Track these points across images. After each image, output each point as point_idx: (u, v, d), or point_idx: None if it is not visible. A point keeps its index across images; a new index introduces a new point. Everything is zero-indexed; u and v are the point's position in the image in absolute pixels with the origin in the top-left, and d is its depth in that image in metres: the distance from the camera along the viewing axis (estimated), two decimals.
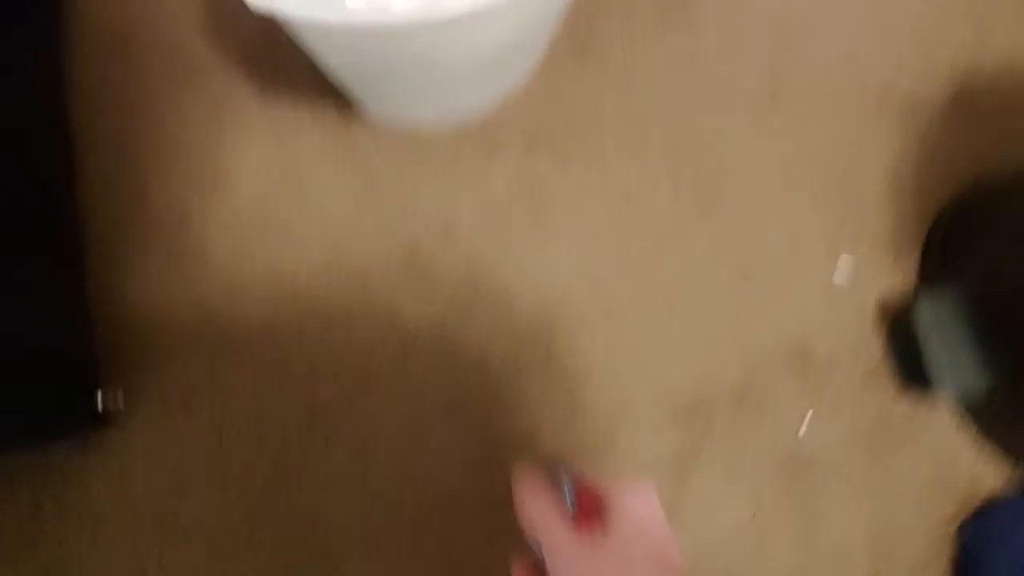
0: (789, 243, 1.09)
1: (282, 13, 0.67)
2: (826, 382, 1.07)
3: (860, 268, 1.08)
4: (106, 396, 0.98)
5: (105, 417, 0.98)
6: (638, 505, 0.47)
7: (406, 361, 1.04)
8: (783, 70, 1.17)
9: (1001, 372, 0.94)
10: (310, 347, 1.04)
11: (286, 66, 1.12)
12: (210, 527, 1.00)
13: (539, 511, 0.48)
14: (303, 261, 1.07)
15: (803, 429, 1.04)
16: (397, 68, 0.89)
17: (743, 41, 1.18)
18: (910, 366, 1.03)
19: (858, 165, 1.11)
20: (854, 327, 1.09)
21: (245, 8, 0.68)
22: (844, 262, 1.08)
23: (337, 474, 1.01)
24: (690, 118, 1.14)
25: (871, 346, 1.09)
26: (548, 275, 1.07)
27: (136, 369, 1.02)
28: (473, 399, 1.04)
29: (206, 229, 1.09)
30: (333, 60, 0.89)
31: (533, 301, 1.06)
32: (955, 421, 1.05)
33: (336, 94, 1.08)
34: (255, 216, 1.09)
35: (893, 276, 1.10)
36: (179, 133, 1.12)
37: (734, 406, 1.05)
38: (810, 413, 1.05)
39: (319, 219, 1.09)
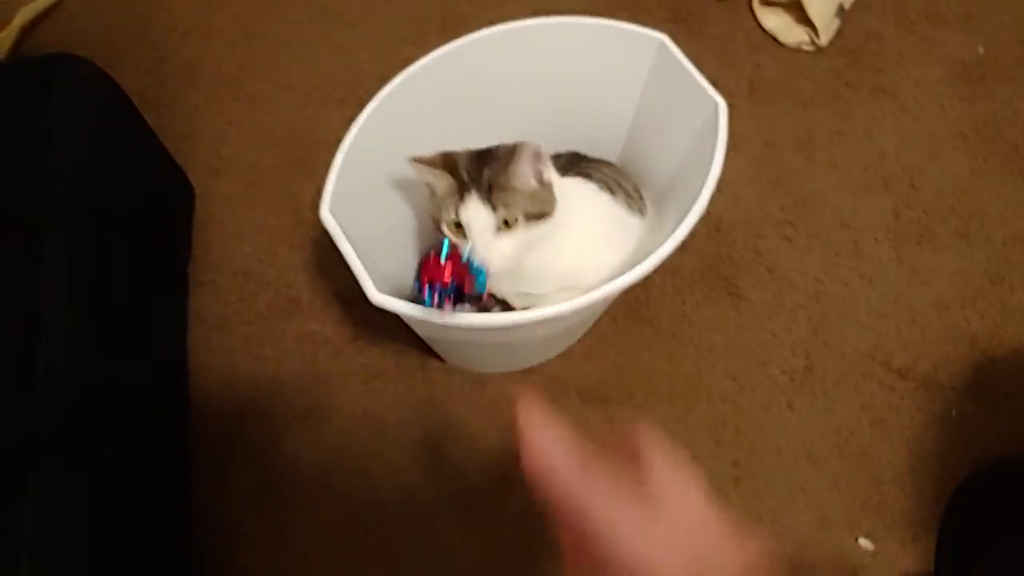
0: (813, 523, 1.21)
1: (403, 315, 0.84)
2: None
3: (878, 551, 1.19)
4: None
5: None
6: (686, 489, 0.43)
7: None
8: (816, 345, 1.33)
9: None
10: None
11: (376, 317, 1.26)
12: None
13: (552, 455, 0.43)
14: (376, 501, 1.22)
15: None
16: (478, 346, 1.08)
17: (782, 315, 1.35)
18: None
19: (880, 444, 1.24)
20: None
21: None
22: (863, 545, 1.18)
23: None
24: (734, 385, 1.29)
25: None
26: None
27: None
28: None
29: (296, 455, 1.26)
30: (424, 333, 1.05)
31: None
32: None
33: (419, 343, 1.23)
34: (338, 449, 1.26)
35: (912, 558, 1.20)
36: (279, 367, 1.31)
37: None
38: None
39: (394, 460, 1.25)
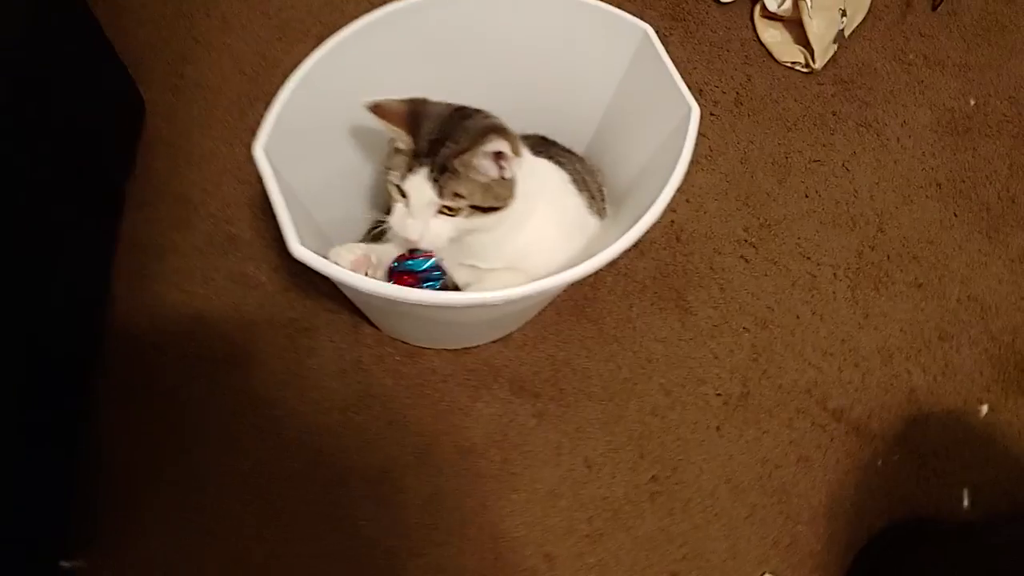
0: (722, 552, 1.20)
1: (323, 271, 0.79)
2: None
3: None
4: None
5: None
6: None
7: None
8: (756, 372, 1.32)
9: None
10: (271, 544, 1.15)
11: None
12: None
13: None
14: (284, 460, 1.19)
15: None
16: (410, 318, 1.05)
17: (727, 336, 1.34)
18: None
19: (802, 482, 1.23)
20: None
21: None
22: None
23: None
24: (666, 400, 1.28)
25: None
26: (503, 522, 1.19)
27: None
28: None
29: (208, 400, 1.23)
30: (352, 297, 1.02)
31: (483, 546, 1.18)
32: None
33: (355, 305, 1.20)
34: (252, 400, 1.22)
35: None
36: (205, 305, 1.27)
37: None
38: None
39: (308, 421, 1.22)
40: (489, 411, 1.21)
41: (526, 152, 0.94)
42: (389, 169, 0.89)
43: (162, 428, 1.19)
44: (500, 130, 0.87)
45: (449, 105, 0.91)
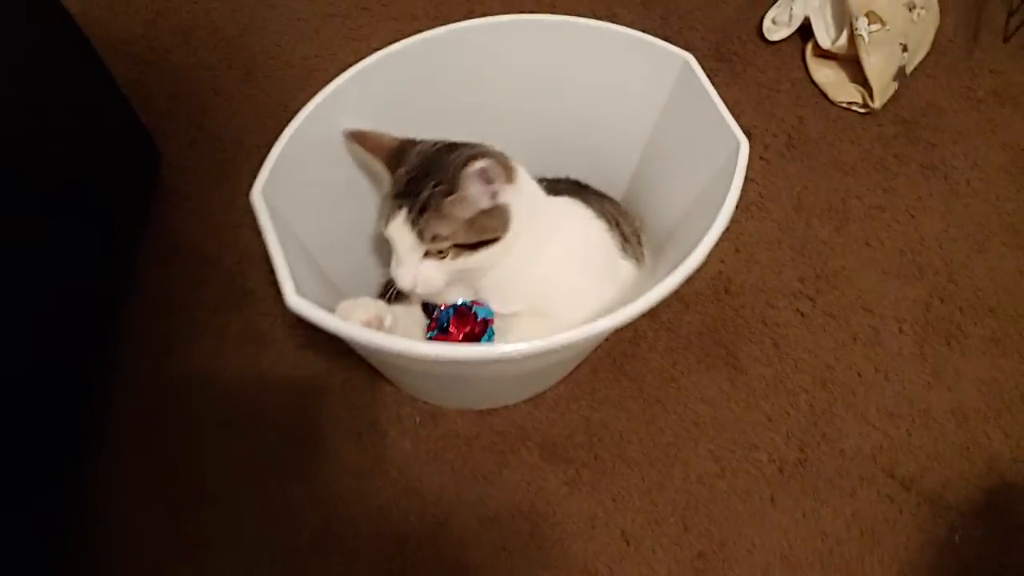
0: None
1: (319, 324, 0.74)
2: None
3: None
4: None
5: None
6: None
7: None
8: (814, 436, 1.23)
9: None
10: None
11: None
12: None
13: None
14: (292, 529, 1.13)
15: None
16: (428, 376, 1.00)
17: (782, 397, 1.25)
18: None
19: (868, 560, 1.13)
20: None
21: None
22: None
23: None
24: (714, 467, 1.19)
25: None
26: None
27: None
28: None
29: (216, 461, 1.18)
30: (362, 353, 0.97)
31: None
32: None
33: (371, 366, 1.15)
34: (262, 463, 1.17)
35: None
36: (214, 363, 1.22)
37: None
38: None
39: (320, 487, 1.16)
40: (516, 478, 1.14)
41: (526, 180, 0.90)
42: (380, 210, 0.86)
43: (165, 492, 1.15)
44: (485, 153, 0.83)
45: (438, 142, 0.88)
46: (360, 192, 1.02)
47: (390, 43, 1.41)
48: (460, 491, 1.14)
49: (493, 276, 0.90)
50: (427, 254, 0.83)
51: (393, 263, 0.87)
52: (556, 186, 1.04)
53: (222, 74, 1.47)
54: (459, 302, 0.98)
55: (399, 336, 0.89)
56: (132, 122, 1.25)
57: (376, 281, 1.15)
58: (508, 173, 0.84)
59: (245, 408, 1.19)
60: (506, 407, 1.20)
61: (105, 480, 1.15)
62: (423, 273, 0.85)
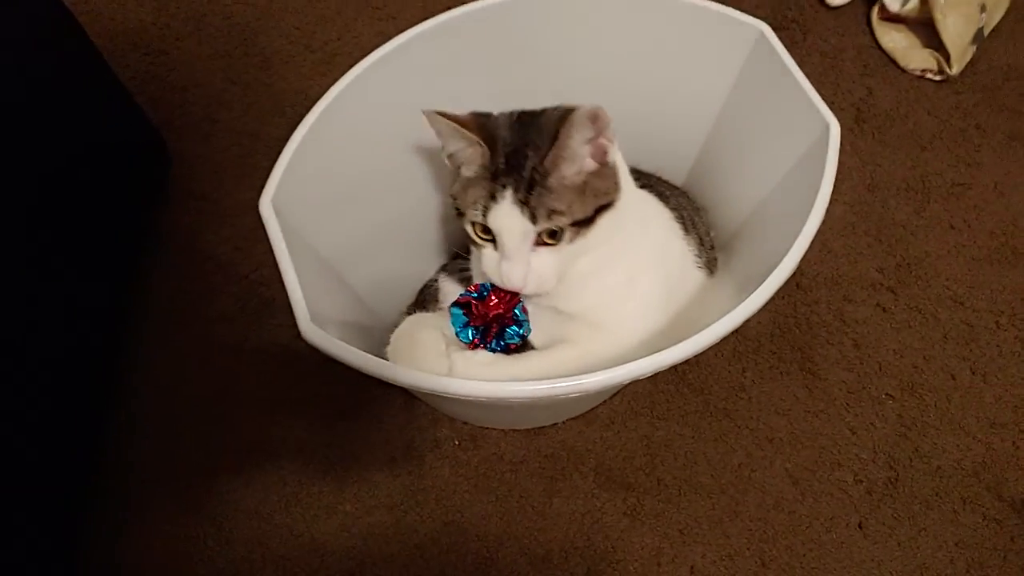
0: None
1: (337, 357, 0.59)
2: None
3: None
4: None
5: None
6: None
7: None
8: (906, 451, 1.01)
9: None
10: None
11: None
12: None
13: None
14: (319, 570, 0.95)
15: None
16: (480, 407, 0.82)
17: (866, 406, 1.04)
18: None
19: None
20: None
21: None
22: None
23: None
24: (793, 490, 0.99)
25: None
26: None
27: None
28: None
29: (233, 500, 1.00)
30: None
31: None
32: None
33: None
34: (284, 497, 1.00)
35: None
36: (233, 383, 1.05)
37: None
38: None
39: (348, 518, 0.97)
40: (569, 508, 0.93)
41: (619, 154, 0.73)
42: (460, 207, 0.69)
43: (179, 526, 0.97)
44: (580, 107, 0.65)
45: (511, 112, 0.71)
46: (383, 189, 0.83)
47: (420, 21, 1.19)
48: (506, 524, 0.93)
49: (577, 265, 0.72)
50: (539, 242, 0.66)
51: (489, 260, 0.69)
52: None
53: (238, 62, 1.25)
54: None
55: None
56: (139, 120, 1.07)
57: (411, 287, 0.98)
58: (607, 124, 0.67)
59: (263, 432, 1.01)
60: (555, 426, 0.99)
61: (118, 507, 0.98)
62: (537, 268, 0.67)
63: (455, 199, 0.71)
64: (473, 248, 0.74)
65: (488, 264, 0.70)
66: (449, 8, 1.08)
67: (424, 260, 0.94)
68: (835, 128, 0.68)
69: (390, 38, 1.23)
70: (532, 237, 0.65)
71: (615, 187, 0.69)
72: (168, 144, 1.14)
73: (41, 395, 0.83)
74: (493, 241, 0.67)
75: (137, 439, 0.99)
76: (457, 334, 0.78)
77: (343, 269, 0.79)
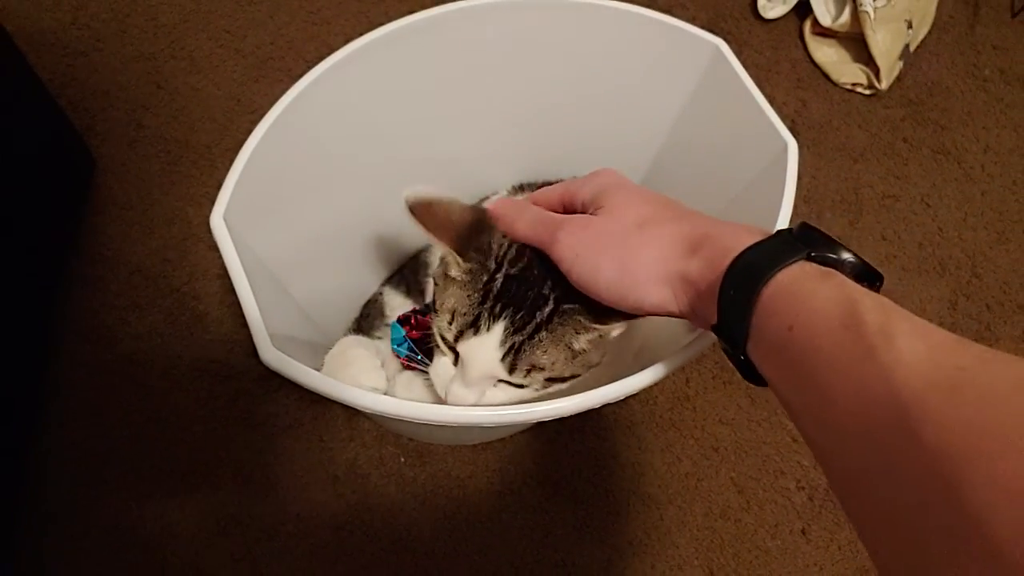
0: None
1: (302, 384, 0.55)
2: None
3: None
4: None
5: None
6: (607, 174, 0.54)
7: None
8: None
9: None
10: None
11: None
12: None
13: (533, 213, 0.53)
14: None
15: None
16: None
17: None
18: None
19: None
20: None
21: None
22: None
23: None
24: (739, 498, 1.03)
25: None
26: None
27: None
28: None
29: (168, 524, 0.97)
30: None
31: None
32: None
33: None
34: (224, 519, 0.97)
35: None
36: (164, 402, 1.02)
37: None
38: None
39: (290, 542, 0.96)
40: (518, 522, 0.94)
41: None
42: (435, 304, 0.61)
43: (110, 555, 0.94)
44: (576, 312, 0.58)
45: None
46: (331, 199, 0.80)
47: (354, 28, 1.19)
48: (455, 542, 0.93)
49: None
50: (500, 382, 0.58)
51: (442, 372, 0.63)
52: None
53: (164, 65, 1.22)
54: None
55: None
56: (60, 123, 1.01)
57: (357, 302, 0.97)
58: None
59: (199, 454, 0.99)
60: (502, 440, 0.99)
61: (41, 538, 0.94)
62: (491, 398, 0.60)
63: (434, 289, 0.63)
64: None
65: (439, 373, 0.63)
66: (385, 14, 1.09)
67: (373, 273, 0.93)
68: (793, 147, 0.68)
69: (324, 42, 1.23)
70: (499, 376, 0.58)
71: (603, 355, 0.61)
72: (91, 150, 1.10)
73: None
74: (455, 354, 0.60)
75: (62, 464, 0.95)
76: (394, 349, 0.77)
77: (288, 282, 0.77)
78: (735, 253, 0.41)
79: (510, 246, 0.57)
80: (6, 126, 0.90)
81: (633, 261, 0.46)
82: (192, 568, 0.91)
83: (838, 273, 0.39)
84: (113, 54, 1.25)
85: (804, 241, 0.41)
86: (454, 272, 0.58)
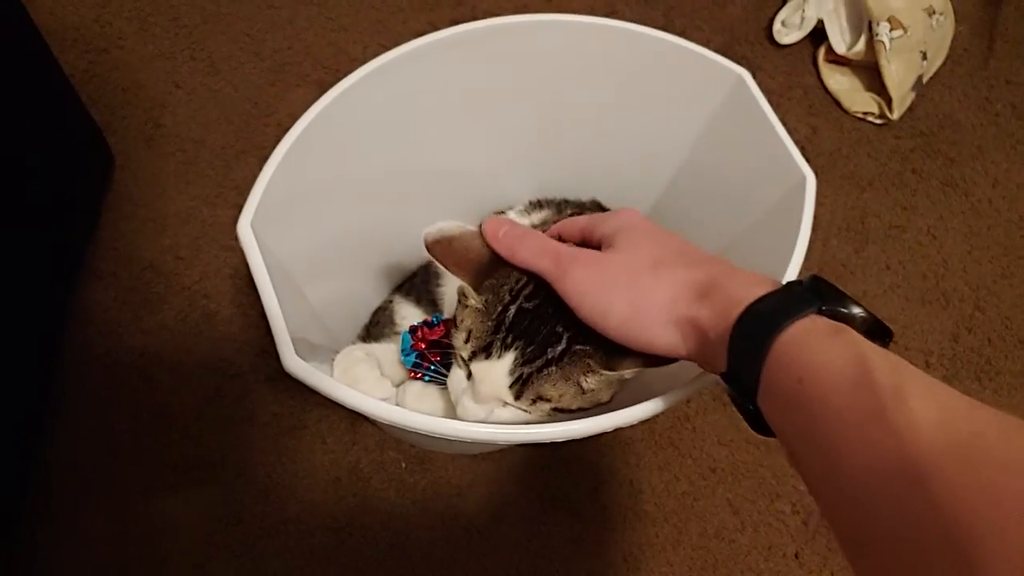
0: None
1: (326, 394, 0.56)
2: None
3: None
4: None
5: None
6: (629, 214, 0.55)
7: None
8: None
9: None
10: None
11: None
12: None
13: (536, 239, 0.54)
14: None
15: None
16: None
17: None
18: None
19: None
20: None
21: None
22: None
23: None
24: (734, 519, 1.07)
25: None
26: None
27: None
28: None
29: (168, 518, 1.00)
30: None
31: None
32: None
33: None
34: (226, 517, 1.01)
35: None
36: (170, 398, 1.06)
37: None
38: None
39: (292, 542, 1.00)
40: (515, 533, 0.97)
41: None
42: (456, 322, 0.64)
43: (112, 546, 0.97)
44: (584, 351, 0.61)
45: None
46: (352, 203, 0.83)
47: (371, 36, 1.23)
48: (452, 549, 0.97)
49: None
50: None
51: (457, 384, 0.65)
52: (581, 209, 0.87)
53: (183, 65, 1.26)
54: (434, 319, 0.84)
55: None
56: (83, 118, 1.04)
57: (370, 308, 1.00)
58: None
59: (204, 450, 1.03)
60: (502, 451, 1.02)
61: (46, 526, 0.98)
62: (500, 416, 0.62)
63: (456, 305, 0.65)
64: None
65: (454, 383, 0.65)
66: (404, 24, 1.13)
67: (385, 280, 0.97)
68: (811, 181, 0.70)
69: (341, 49, 1.27)
70: (506, 398, 0.60)
71: (612, 392, 0.62)
72: (110, 146, 1.14)
73: None
74: (469, 370, 0.61)
75: (70, 455, 0.99)
76: (402, 359, 0.81)
77: (304, 285, 0.81)
78: (746, 303, 0.42)
79: (528, 281, 0.59)
80: (33, 119, 0.94)
81: (643, 301, 0.47)
82: (193, 563, 0.95)
83: (849, 328, 0.40)
84: (134, 52, 1.28)
85: (815, 294, 0.42)
86: (472, 301, 0.61)
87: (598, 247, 0.57)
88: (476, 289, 0.60)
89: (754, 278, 0.47)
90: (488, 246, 0.61)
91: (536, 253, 0.55)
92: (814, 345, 0.38)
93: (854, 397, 0.36)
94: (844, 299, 0.43)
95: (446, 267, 0.61)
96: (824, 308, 0.41)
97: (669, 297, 0.46)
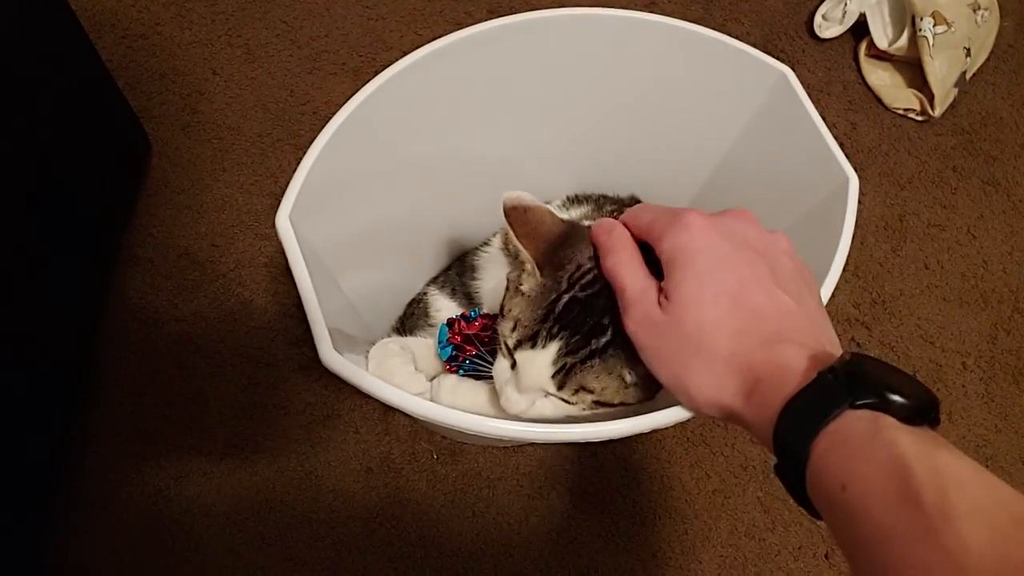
0: None
1: (364, 390, 0.56)
2: None
3: None
4: None
5: None
6: (692, 230, 0.50)
7: None
8: None
9: None
10: None
11: None
12: None
13: (635, 257, 0.53)
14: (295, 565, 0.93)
15: None
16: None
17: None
18: None
19: None
20: None
21: None
22: None
23: None
24: (764, 518, 1.07)
25: None
26: None
27: None
28: None
29: (200, 496, 1.03)
30: None
31: None
32: None
33: None
34: (259, 503, 1.03)
35: None
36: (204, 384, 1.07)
37: None
38: None
39: (323, 530, 1.02)
40: (545, 527, 0.98)
41: None
42: (503, 310, 0.64)
43: (146, 530, 1.00)
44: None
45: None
46: (390, 195, 0.84)
47: (408, 24, 1.24)
48: (482, 541, 0.98)
49: None
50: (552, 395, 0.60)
51: (503, 372, 0.65)
52: (624, 209, 0.87)
53: (220, 52, 1.28)
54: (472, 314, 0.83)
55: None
56: (120, 104, 1.06)
57: (405, 300, 1.02)
58: None
59: (237, 437, 1.04)
60: (533, 444, 1.03)
61: (81, 507, 1.01)
62: (541, 408, 0.63)
63: (504, 292, 0.65)
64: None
65: (499, 372, 0.65)
66: (440, 14, 1.13)
67: (420, 272, 0.98)
68: (855, 182, 0.69)
69: (378, 38, 1.28)
70: (548, 389, 0.60)
71: (654, 391, 0.61)
72: (147, 132, 1.16)
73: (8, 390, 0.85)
74: (513, 359, 0.62)
75: (105, 439, 1.01)
76: (438, 351, 0.82)
77: (339, 276, 0.81)
78: (782, 401, 0.41)
79: (589, 270, 0.59)
80: (70, 105, 0.96)
81: (687, 380, 0.47)
82: (225, 548, 0.97)
83: (887, 423, 0.38)
84: (171, 38, 1.30)
85: (850, 384, 0.40)
86: (526, 286, 0.61)
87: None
88: (538, 263, 0.60)
89: (794, 352, 0.44)
90: (591, 236, 0.60)
91: (615, 268, 0.54)
92: (851, 450, 0.37)
93: (899, 516, 0.35)
94: (880, 386, 0.40)
95: (518, 237, 0.60)
96: (858, 403, 0.40)
97: (713, 384, 0.46)
